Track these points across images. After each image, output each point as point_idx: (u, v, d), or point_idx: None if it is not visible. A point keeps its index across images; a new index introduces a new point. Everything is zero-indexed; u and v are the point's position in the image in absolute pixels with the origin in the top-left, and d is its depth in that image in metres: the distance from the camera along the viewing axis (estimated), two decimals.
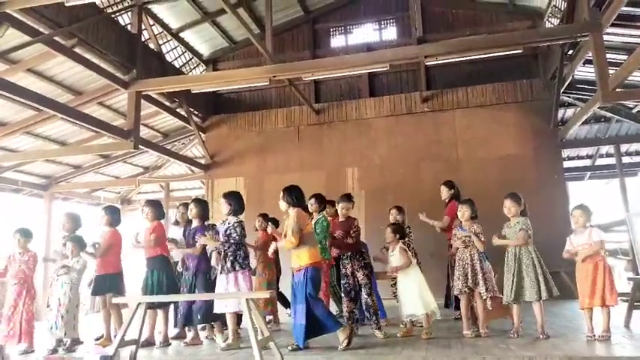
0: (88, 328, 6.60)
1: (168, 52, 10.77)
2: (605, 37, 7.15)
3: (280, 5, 10.79)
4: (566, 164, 12.38)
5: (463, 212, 5.36)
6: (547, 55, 10.08)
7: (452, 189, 6.64)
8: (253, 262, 6.35)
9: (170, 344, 5.56)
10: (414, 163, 10.30)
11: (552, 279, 4.90)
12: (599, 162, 13.56)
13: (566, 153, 12.40)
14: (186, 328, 5.70)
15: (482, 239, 5.22)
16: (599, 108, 9.01)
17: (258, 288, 6.28)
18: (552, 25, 9.89)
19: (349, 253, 5.58)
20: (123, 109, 9.80)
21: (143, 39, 9.26)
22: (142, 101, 8.76)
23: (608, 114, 10.98)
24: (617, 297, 4.74)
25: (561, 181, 9.92)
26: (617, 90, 6.96)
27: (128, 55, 8.56)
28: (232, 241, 5.19)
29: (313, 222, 5.47)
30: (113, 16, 8.63)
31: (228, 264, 5.14)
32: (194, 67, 11.85)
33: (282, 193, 5.06)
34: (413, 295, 5.29)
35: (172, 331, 5.99)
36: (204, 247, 5.53)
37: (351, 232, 5.54)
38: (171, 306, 6.06)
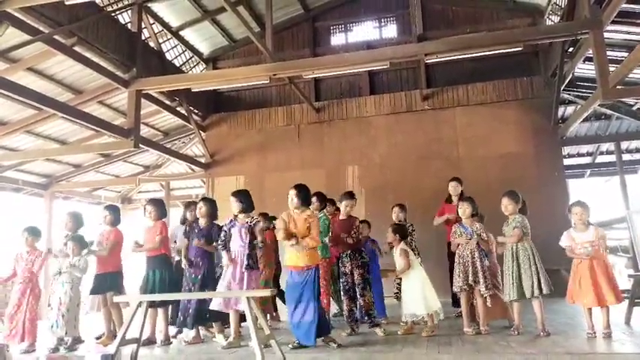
0: (89, 327, 6.60)
1: (168, 51, 10.76)
2: (606, 35, 7.14)
3: (280, 3, 10.78)
4: (567, 162, 12.38)
5: (464, 210, 5.37)
6: (547, 52, 10.07)
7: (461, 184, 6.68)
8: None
9: (171, 343, 5.57)
10: (415, 161, 10.30)
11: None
12: (600, 159, 13.54)
13: (566, 150, 12.41)
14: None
15: (485, 238, 5.24)
16: (599, 105, 9.00)
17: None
18: (553, 23, 9.88)
19: (349, 252, 5.58)
20: (123, 107, 9.80)
21: (143, 37, 9.26)
22: (142, 100, 8.76)
23: (609, 111, 10.96)
24: (621, 295, 4.74)
25: (562, 178, 9.91)
26: (617, 87, 6.95)
27: (128, 54, 8.56)
28: (252, 240, 5.23)
29: None
30: (113, 14, 8.63)
31: (246, 262, 5.15)
32: (194, 66, 11.85)
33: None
34: (415, 295, 5.29)
35: (172, 331, 5.99)
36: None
37: (352, 231, 5.54)
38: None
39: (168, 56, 10.70)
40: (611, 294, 4.64)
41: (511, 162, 9.76)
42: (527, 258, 4.90)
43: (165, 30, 10.41)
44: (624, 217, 10.34)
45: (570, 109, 11.13)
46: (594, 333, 4.67)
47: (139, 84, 8.46)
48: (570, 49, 8.87)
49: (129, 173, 13.88)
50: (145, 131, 11.09)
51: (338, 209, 6.23)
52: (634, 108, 10.68)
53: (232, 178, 11.25)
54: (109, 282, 5.73)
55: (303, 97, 10.62)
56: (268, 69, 8.23)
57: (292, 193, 5.04)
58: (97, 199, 14.30)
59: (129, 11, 9.03)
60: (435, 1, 11.03)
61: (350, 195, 5.81)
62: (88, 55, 7.86)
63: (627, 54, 7.43)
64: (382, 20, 11.59)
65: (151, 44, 9.85)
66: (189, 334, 5.62)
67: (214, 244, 5.41)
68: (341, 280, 5.62)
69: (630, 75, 7.30)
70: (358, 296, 5.49)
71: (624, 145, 12.49)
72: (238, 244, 5.19)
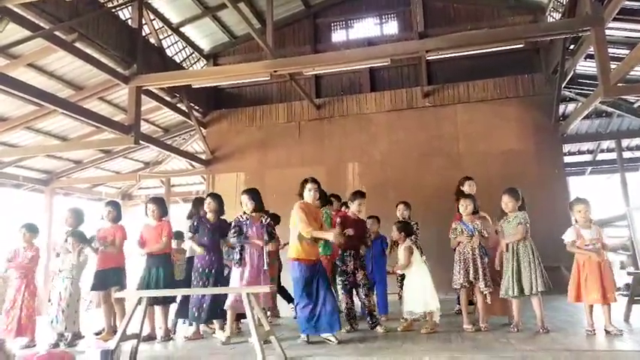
0: (90, 322, 6.61)
1: (168, 47, 10.75)
2: (607, 32, 7.12)
3: (281, 0, 10.76)
4: (567, 159, 12.38)
5: (465, 207, 5.37)
6: (549, 49, 10.05)
7: None
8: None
9: (171, 339, 5.58)
10: (415, 158, 10.30)
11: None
12: (600, 157, 13.54)
13: (567, 148, 12.39)
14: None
15: (486, 235, 5.24)
16: (600, 103, 8.98)
17: None
18: (554, 20, 9.86)
19: (352, 251, 5.58)
20: (123, 104, 9.81)
21: (143, 34, 9.24)
22: (143, 96, 8.75)
23: (610, 109, 10.96)
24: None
25: (562, 175, 9.91)
26: (618, 85, 6.94)
27: (128, 50, 8.55)
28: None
29: None
30: (113, 10, 8.62)
31: (267, 260, 5.19)
32: (194, 62, 11.83)
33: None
34: (415, 292, 5.28)
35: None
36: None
37: (366, 235, 5.78)
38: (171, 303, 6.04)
39: (169, 52, 10.69)
40: (613, 292, 4.68)
41: (512, 159, 9.76)
42: (527, 255, 4.91)
43: (165, 26, 10.40)
44: (624, 214, 10.36)
45: (571, 107, 11.12)
46: (594, 330, 4.67)
47: (140, 80, 8.45)
48: (572, 47, 8.86)
49: (129, 169, 13.89)
50: (145, 128, 11.08)
51: (344, 204, 6.23)
52: (635, 106, 10.67)
53: (233, 174, 11.26)
54: (113, 278, 5.72)
55: (304, 93, 10.61)
56: (269, 65, 8.22)
57: (313, 186, 5.06)
58: (98, 196, 14.31)
59: (129, 7, 9.01)
60: None
61: (361, 194, 5.82)
62: (88, 51, 7.85)
63: (629, 51, 7.42)
64: (383, 17, 11.57)
65: (152, 40, 9.84)
66: (189, 329, 5.63)
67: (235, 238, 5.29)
68: (341, 278, 5.60)
69: (631, 72, 7.29)
70: (363, 296, 5.49)
71: (625, 142, 12.49)
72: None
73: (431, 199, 8.40)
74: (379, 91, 11.03)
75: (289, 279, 5.23)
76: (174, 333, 5.86)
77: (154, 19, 9.91)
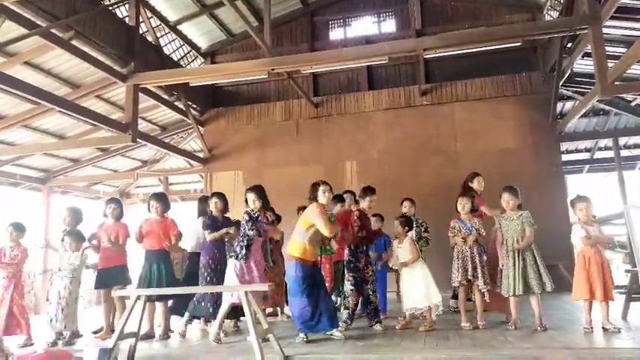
0: (88, 321, 6.60)
1: (166, 45, 10.71)
2: (605, 30, 7.14)
3: None
4: (565, 157, 12.41)
5: (464, 205, 5.38)
6: (546, 48, 10.06)
7: None
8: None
9: (169, 337, 5.57)
10: (413, 157, 10.31)
11: (551, 272, 4.93)
12: (598, 155, 13.56)
13: (564, 146, 12.42)
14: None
15: (483, 233, 5.26)
16: (597, 101, 9.00)
17: None
18: (551, 18, 9.86)
19: (364, 247, 5.61)
20: (121, 102, 9.78)
21: (141, 32, 9.22)
22: (140, 94, 8.73)
23: (607, 107, 10.98)
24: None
25: (560, 174, 9.93)
26: (616, 83, 6.95)
27: (126, 48, 8.52)
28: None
29: None
30: (110, 8, 8.59)
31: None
32: (192, 60, 11.80)
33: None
34: (417, 289, 5.28)
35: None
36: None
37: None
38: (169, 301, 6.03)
39: (166, 50, 10.65)
40: (612, 290, 4.72)
41: (509, 157, 9.78)
42: (530, 254, 4.92)
43: (163, 24, 10.36)
44: (622, 212, 10.37)
45: (569, 105, 11.14)
46: (592, 328, 4.69)
47: (137, 78, 8.42)
48: (569, 45, 8.86)
49: (127, 168, 13.86)
50: (142, 126, 11.06)
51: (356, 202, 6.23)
52: (632, 104, 10.69)
53: (231, 173, 11.24)
54: (116, 275, 5.70)
55: (302, 92, 10.60)
56: (266, 63, 8.20)
57: (326, 188, 5.06)
58: (95, 194, 14.28)
59: (126, 5, 8.97)
60: None
61: (373, 190, 5.78)
62: (85, 49, 7.82)
63: (626, 50, 7.42)
64: (381, 15, 11.56)
65: (149, 38, 9.80)
66: (182, 324, 5.63)
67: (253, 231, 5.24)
68: (353, 274, 5.49)
69: (629, 71, 7.28)
70: (370, 293, 5.50)
71: (622, 140, 12.50)
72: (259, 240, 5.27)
73: (428, 197, 8.39)
74: (377, 89, 11.03)
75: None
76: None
77: (151, 17, 9.87)
